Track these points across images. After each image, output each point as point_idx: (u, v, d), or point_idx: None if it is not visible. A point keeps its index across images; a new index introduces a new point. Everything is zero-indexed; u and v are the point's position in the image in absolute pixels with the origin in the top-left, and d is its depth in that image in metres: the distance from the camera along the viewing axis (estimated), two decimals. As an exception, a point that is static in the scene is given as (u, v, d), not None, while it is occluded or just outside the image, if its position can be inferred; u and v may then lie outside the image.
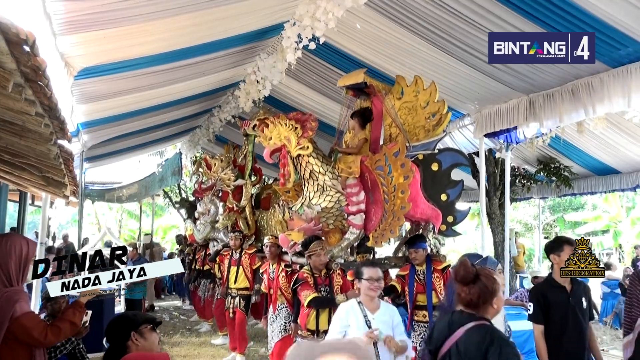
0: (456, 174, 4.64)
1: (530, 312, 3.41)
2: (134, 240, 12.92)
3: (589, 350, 3.38)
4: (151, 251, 11.84)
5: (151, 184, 12.78)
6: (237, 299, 6.22)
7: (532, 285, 6.12)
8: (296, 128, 4.52)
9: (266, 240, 5.53)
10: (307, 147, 4.49)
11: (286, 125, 4.54)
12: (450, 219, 4.49)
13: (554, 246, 3.43)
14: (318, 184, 4.52)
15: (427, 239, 4.48)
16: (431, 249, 4.52)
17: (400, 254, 4.92)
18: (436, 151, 4.40)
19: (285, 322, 4.95)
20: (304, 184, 4.65)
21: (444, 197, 4.47)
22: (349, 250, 4.83)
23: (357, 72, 4.73)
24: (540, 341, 3.33)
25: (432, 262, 4.36)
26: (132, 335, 2.13)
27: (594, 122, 5.89)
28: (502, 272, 2.87)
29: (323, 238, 4.44)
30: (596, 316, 9.27)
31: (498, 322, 2.59)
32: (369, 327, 2.91)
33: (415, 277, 4.33)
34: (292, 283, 4.51)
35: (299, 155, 4.53)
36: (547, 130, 6.43)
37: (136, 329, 2.16)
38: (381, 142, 4.80)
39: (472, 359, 2.06)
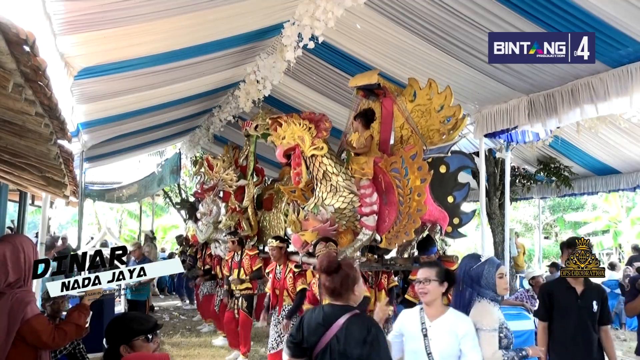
0: (461, 176, 4.66)
1: (536, 308, 3.44)
2: (138, 241, 12.86)
3: (600, 354, 3.35)
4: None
5: (150, 183, 12.78)
6: (241, 299, 6.23)
7: (530, 286, 6.14)
8: (310, 128, 4.49)
9: (269, 243, 5.53)
10: (322, 148, 4.47)
11: (300, 125, 4.50)
12: (456, 220, 4.51)
13: (563, 245, 3.50)
14: (331, 185, 4.51)
15: (435, 240, 4.51)
16: (437, 251, 4.55)
17: (406, 255, 4.92)
18: (449, 154, 4.41)
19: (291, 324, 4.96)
20: (317, 185, 4.63)
21: (450, 199, 4.48)
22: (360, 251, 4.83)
23: (370, 72, 4.72)
24: (541, 333, 3.35)
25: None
26: (121, 348, 2.09)
27: (588, 122, 5.89)
28: (503, 275, 2.66)
29: (333, 239, 4.45)
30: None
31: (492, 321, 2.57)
32: (425, 335, 2.52)
33: None
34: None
35: (312, 155, 4.50)
36: (545, 136, 6.43)
37: (127, 342, 2.10)
38: (391, 143, 4.81)
39: (354, 347, 2.14)
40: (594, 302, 3.35)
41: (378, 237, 4.54)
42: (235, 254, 6.42)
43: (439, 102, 4.47)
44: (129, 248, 8.12)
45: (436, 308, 2.57)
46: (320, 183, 4.57)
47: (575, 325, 3.28)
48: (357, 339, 2.13)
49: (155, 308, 10.37)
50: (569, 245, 3.51)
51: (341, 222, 4.51)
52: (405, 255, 4.93)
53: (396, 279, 5.26)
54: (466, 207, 4.87)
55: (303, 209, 4.73)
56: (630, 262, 9.33)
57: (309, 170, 4.62)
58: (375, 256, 4.93)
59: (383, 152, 4.75)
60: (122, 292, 7.09)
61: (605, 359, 3.41)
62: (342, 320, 2.20)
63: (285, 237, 5.96)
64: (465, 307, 2.62)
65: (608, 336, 3.42)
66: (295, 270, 5.08)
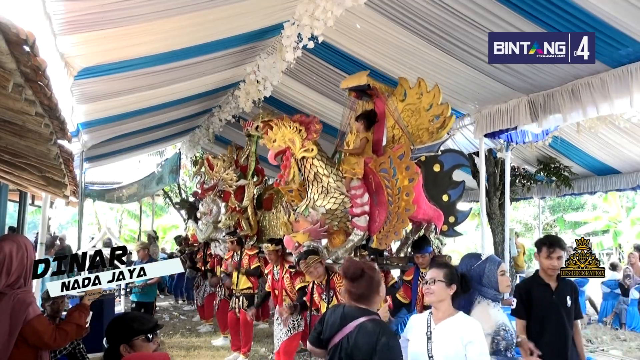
0: (457, 175, 4.65)
1: (514, 307, 3.43)
2: (145, 241, 12.79)
3: (573, 348, 3.36)
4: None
5: (150, 183, 12.78)
6: (241, 298, 6.25)
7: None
8: (300, 130, 4.54)
9: (264, 247, 5.57)
10: (312, 150, 4.50)
11: (290, 128, 4.55)
12: (451, 219, 4.50)
13: (542, 244, 3.45)
14: (322, 186, 4.53)
15: (430, 240, 4.51)
16: (433, 250, 4.55)
17: (402, 254, 4.93)
18: (439, 153, 4.41)
19: (291, 322, 4.97)
20: (308, 186, 4.66)
21: (445, 197, 4.47)
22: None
23: (360, 74, 4.73)
24: (521, 333, 3.35)
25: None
26: (121, 348, 2.09)
27: (588, 122, 5.90)
28: (505, 273, 2.67)
29: (316, 245, 4.47)
30: (595, 316, 9.29)
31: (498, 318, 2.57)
32: (429, 338, 2.41)
33: (420, 279, 4.36)
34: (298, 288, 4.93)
35: (303, 157, 4.54)
36: (543, 136, 6.43)
37: (127, 342, 2.10)
38: (384, 144, 4.81)
39: (362, 351, 2.17)
40: (568, 298, 3.35)
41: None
42: (235, 253, 6.45)
43: (428, 100, 4.47)
44: (133, 248, 8.11)
45: (443, 311, 2.46)
46: (312, 185, 4.59)
47: (553, 321, 3.29)
48: (365, 344, 2.15)
49: (156, 308, 10.37)
50: (550, 244, 3.40)
51: (333, 223, 4.54)
52: (402, 255, 4.94)
53: (396, 277, 5.28)
54: (462, 205, 4.87)
55: (295, 210, 4.76)
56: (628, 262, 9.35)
57: (301, 172, 4.65)
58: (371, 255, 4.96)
59: (375, 152, 4.76)
60: (122, 292, 7.08)
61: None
62: (356, 322, 2.23)
63: (281, 239, 5.98)
64: (466, 307, 2.60)
65: (578, 331, 3.45)
66: (291, 270, 5.12)
